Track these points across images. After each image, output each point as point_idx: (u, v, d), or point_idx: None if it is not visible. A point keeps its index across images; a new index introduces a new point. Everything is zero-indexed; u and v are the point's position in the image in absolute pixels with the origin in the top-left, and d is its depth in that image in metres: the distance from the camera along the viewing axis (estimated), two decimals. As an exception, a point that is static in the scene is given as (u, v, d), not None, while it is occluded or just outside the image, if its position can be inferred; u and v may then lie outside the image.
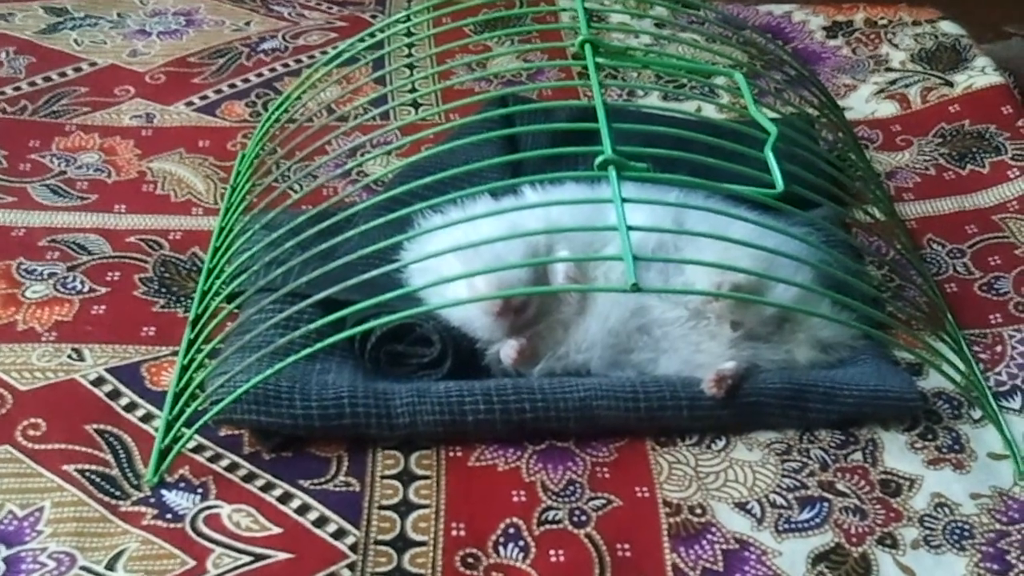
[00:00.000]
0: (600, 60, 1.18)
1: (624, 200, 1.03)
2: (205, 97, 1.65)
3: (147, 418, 1.13)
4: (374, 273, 1.03)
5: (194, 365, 1.16)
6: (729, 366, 1.13)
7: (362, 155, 1.46)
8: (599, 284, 1.16)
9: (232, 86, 1.67)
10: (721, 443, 1.13)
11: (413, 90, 1.62)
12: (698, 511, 1.05)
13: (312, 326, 1.04)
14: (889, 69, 1.72)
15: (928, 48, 1.74)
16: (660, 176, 1.07)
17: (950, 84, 1.66)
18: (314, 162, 1.34)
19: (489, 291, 1.11)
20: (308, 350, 1.03)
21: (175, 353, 1.20)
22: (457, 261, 1.11)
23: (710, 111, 1.56)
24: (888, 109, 1.64)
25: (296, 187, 1.35)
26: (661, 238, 1.15)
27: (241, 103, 1.63)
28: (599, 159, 1.05)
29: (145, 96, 1.64)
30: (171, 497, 1.05)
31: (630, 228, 1.01)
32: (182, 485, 1.06)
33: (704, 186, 1.08)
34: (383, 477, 1.08)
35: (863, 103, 1.65)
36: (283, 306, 1.09)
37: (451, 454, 1.11)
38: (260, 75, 1.69)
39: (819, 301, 1.15)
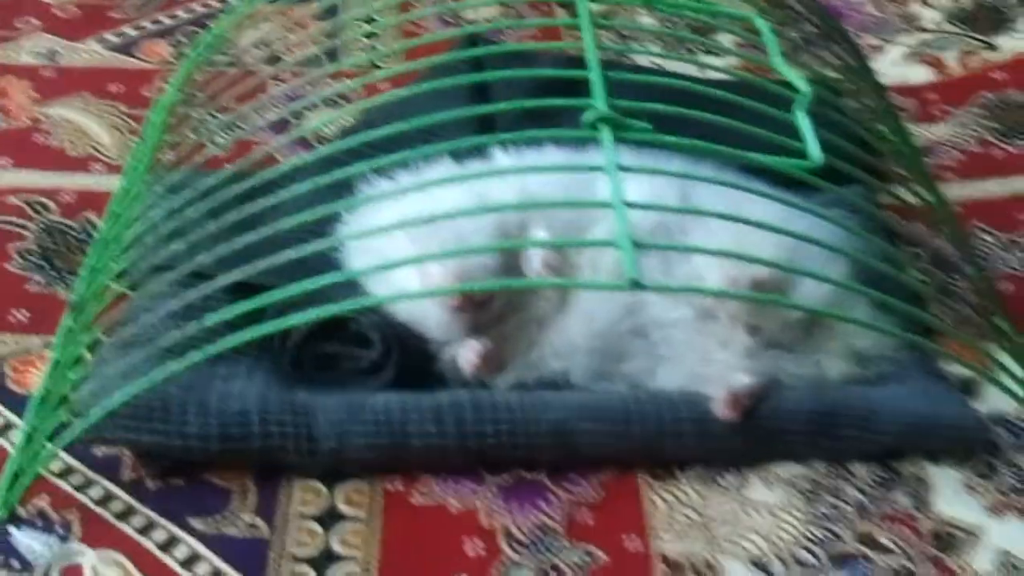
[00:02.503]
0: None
1: (621, 168, 0.79)
2: (122, 34, 1.40)
3: (4, 429, 0.89)
4: (301, 252, 0.79)
5: (69, 361, 0.91)
6: (745, 381, 0.90)
7: (304, 108, 1.21)
8: (586, 278, 0.92)
9: (156, 23, 1.42)
10: (733, 478, 0.90)
11: (370, 28, 1.36)
12: (704, 570, 0.82)
13: (216, 317, 0.79)
14: (921, 29, 1.48)
15: (966, 7, 1.51)
16: (665, 139, 0.82)
17: (992, 47, 1.43)
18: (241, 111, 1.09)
19: (446, 280, 0.88)
20: (209, 349, 0.78)
21: (50, 345, 0.95)
22: (407, 240, 0.87)
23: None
24: (921, 74, 1.40)
25: (218, 142, 1.10)
26: (663, 219, 0.91)
27: (165, 42, 1.38)
28: (588, 115, 0.81)
29: (51, 30, 1.41)
30: (21, 538, 0.81)
31: (627, 205, 0.77)
32: (38, 523, 0.82)
33: (719, 153, 0.84)
34: (300, 517, 0.84)
35: (891, 66, 1.42)
36: (182, 290, 0.84)
37: (389, 488, 0.87)
38: (191, 11, 1.44)
39: (855, 302, 0.92)
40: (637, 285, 0.71)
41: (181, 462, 0.86)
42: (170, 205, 0.91)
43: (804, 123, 0.88)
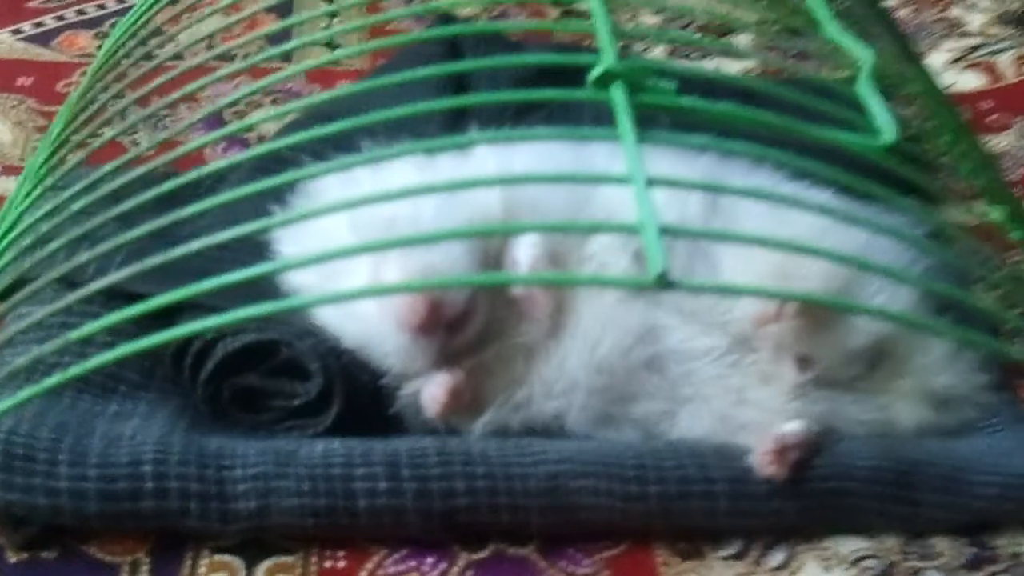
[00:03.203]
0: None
1: (641, 140, 0.59)
2: (41, 24, 1.20)
3: None
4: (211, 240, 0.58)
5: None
6: (793, 429, 0.69)
7: (246, 105, 1.01)
8: (588, 292, 0.72)
9: (81, 12, 1.22)
10: (780, 556, 0.69)
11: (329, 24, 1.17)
12: None
13: (89, 329, 0.58)
14: (966, 34, 1.29)
15: (1014, 9, 1.32)
16: (697, 105, 0.62)
17: (1050, 50, 1.24)
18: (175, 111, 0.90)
19: (405, 282, 0.67)
20: (71, 371, 0.56)
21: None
22: (354, 236, 0.67)
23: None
24: (973, 81, 1.21)
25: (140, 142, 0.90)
26: (684, 218, 0.71)
27: (89, 34, 1.18)
28: (596, 71, 0.61)
29: (-41, 19, 1.19)
30: None
31: (651, 182, 0.56)
32: None
33: (768, 126, 0.64)
34: (205, 605, 0.63)
35: (938, 74, 1.21)
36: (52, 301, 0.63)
37: (328, 565, 0.65)
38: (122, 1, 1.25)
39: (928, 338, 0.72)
40: (665, 282, 0.50)
41: (52, 528, 0.65)
42: (53, 204, 0.71)
43: (870, 94, 0.68)
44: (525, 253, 0.71)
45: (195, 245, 0.58)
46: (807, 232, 0.69)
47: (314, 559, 0.66)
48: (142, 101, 0.89)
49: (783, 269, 0.69)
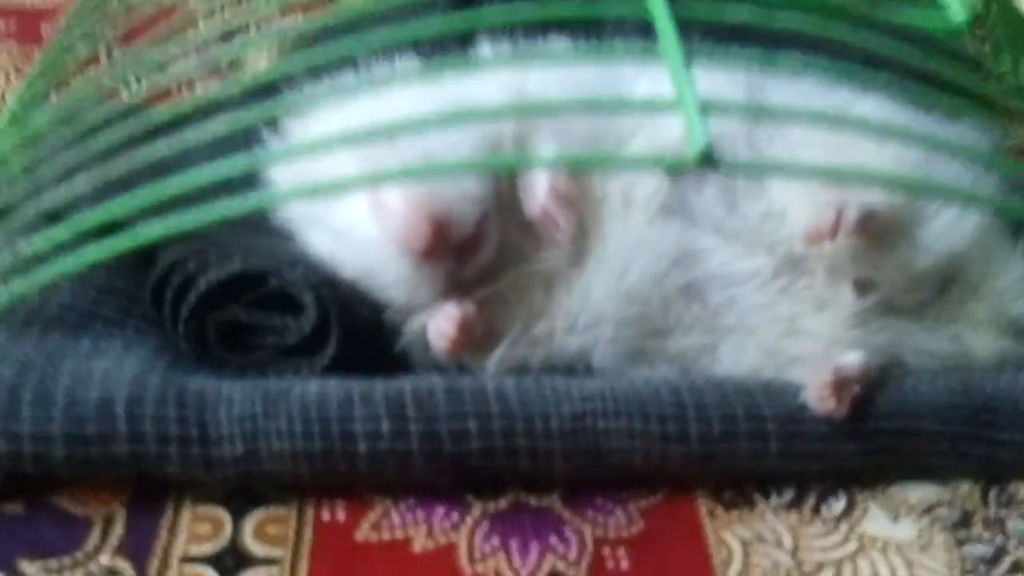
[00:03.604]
0: None
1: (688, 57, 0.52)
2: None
3: None
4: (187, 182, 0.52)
5: None
6: (853, 361, 0.61)
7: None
8: (616, 213, 0.64)
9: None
10: (840, 504, 0.60)
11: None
12: (805, 646, 0.52)
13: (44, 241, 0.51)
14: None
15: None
16: (743, 14, 0.55)
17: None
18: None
19: (408, 210, 0.59)
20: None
21: None
22: (353, 159, 0.59)
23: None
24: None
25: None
26: (727, 123, 0.63)
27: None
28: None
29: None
30: None
31: (705, 108, 0.49)
32: None
33: (831, 7, 0.56)
34: (187, 560, 0.55)
35: None
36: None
37: (324, 518, 0.58)
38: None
39: (1006, 259, 0.64)
40: (708, 161, 0.42)
41: (16, 478, 0.57)
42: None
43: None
44: (541, 177, 0.63)
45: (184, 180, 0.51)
46: (865, 142, 0.61)
47: (310, 511, 0.58)
48: (125, 40, 0.83)
49: (836, 178, 0.61)
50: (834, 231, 0.61)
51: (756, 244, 0.64)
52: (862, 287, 0.63)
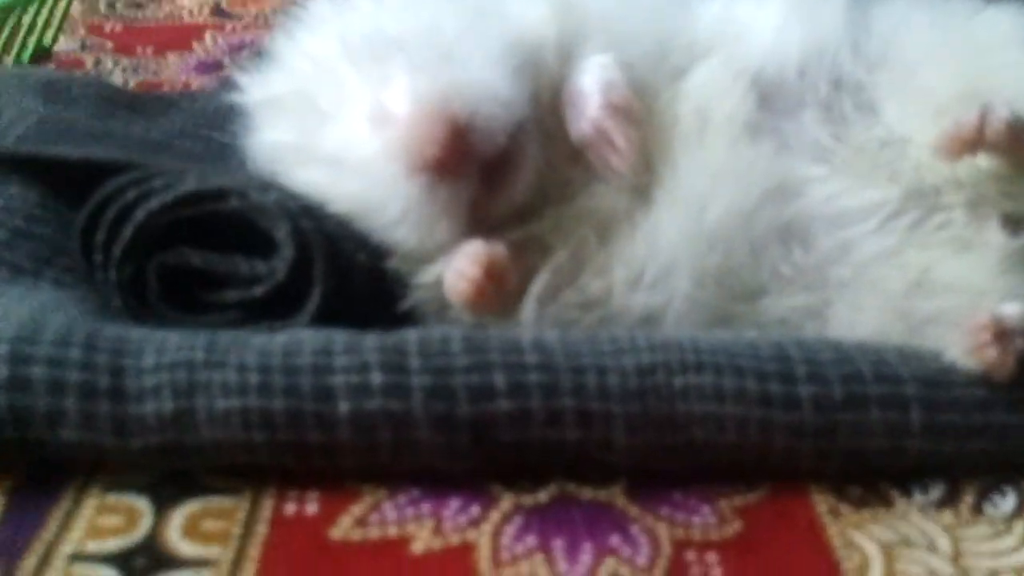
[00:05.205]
0: None
1: None
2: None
3: None
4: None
5: None
6: (1015, 311, 0.44)
7: None
8: (688, 142, 0.49)
9: None
10: (1010, 501, 0.43)
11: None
12: None
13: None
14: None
15: None
16: None
17: None
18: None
19: (418, 110, 0.44)
20: None
21: None
22: (350, 64, 0.46)
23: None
24: None
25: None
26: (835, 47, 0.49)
27: None
28: None
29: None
30: None
31: None
32: None
33: None
34: (79, 559, 0.38)
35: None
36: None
37: (286, 511, 0.41)
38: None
39: None
40: None
41: None
42: None
43: None
44: (594, 77, 0.49)
45: None
46: (998, 39, 0.47)
47: (267, 502, 0.41)
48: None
49: (973, 87, 0.47)
50: (977, 139, 0.46)
51: (874, 171, 0.49)
52: (1012, 223, 0.48)
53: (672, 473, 0.43)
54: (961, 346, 0.44)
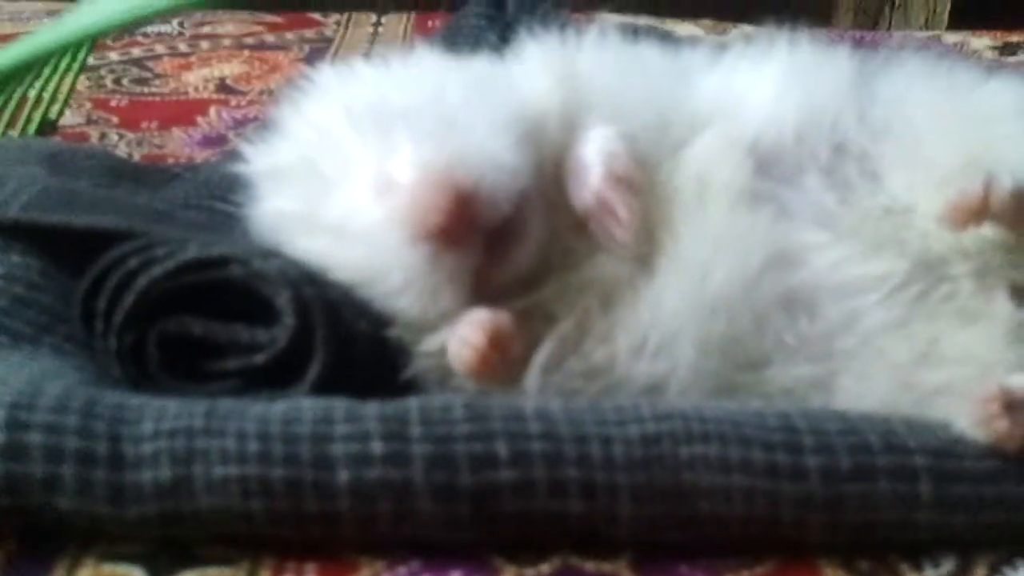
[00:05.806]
0: None
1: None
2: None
3: None
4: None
5: None
6: (1022, 382, 0.43)
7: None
8: (690, 208, 0.50)
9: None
10: (1023, 573, 0.42)
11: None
12: None
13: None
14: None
15: None
16: None
17: None
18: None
19: (422, 179, 0.45)
20: None
21: None
22: (360, 141, 0.46)
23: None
24: None
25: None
26: (835, 114, 0.49)
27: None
28: None
29: None
30: None
31: None
32: None
33: None
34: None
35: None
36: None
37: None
38: None
39: None
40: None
41: None
42: None
43: None
44: (597, 148, 0.49)
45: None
46: (1001, 110, 0.48)
47: (265, 573, 0.41)
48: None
49: (977, 157, 0.47)
50: (982, 209, 0.46)
51: (879, 240, 0.48)
52: (1020, 294, 0.47)
53: (678, 546, 0.42)
54: (970, 418, 0.43)
